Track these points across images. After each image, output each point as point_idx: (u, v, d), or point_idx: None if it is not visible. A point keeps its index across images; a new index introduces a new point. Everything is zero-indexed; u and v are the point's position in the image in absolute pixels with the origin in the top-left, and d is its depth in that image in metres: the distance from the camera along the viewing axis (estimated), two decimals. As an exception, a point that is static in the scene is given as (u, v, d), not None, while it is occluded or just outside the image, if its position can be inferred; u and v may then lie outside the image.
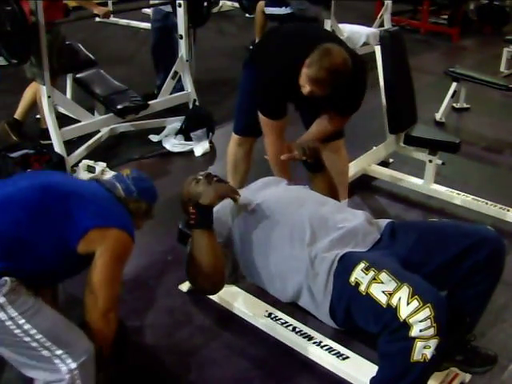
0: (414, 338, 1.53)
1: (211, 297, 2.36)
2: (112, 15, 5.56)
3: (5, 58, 3.25)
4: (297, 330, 2.10)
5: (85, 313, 1.69)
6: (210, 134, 3.95)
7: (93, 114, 3.75)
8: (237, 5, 7.26)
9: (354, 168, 3.31)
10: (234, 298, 2.30)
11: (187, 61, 4.09)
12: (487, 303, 1.92)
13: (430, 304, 1.53)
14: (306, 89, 2.26)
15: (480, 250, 1.79)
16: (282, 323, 2.13)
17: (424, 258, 1.84)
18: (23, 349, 1.56)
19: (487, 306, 1.93)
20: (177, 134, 3.96)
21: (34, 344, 1.56)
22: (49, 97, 3.30)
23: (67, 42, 3.90)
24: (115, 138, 3.98)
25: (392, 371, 1.64)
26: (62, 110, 3.78)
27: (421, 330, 1.52)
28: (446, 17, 7.53)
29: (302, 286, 1.85)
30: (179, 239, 2.48)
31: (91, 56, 4.13)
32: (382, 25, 6.73)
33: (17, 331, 1.53)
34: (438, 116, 4.43)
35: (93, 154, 3.63)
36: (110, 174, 3.44)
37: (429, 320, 1.52)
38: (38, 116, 3.81)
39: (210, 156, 3.84)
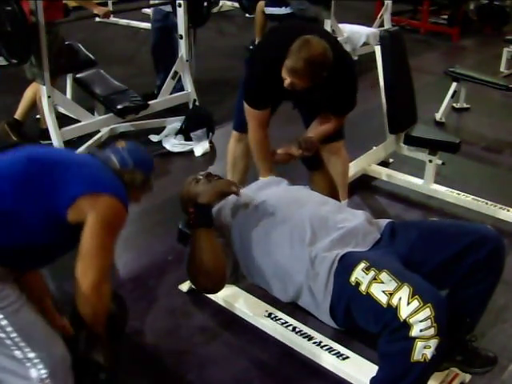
0: (414, 338, 1.53)
1: (211, 297, 2.36)
2: (112, 15, 5.57)
3: (5, 58, 3.25)
4: (297, 330, 2.10)
5: (75, 286, 1.60)
6: (210, 133, 3.96)
7: (93, 113, 3.75)
8: (237, 5, 7.26)
9: (354, 168, 3.31)
10: (235, 298, 2.30)
11: (187, 61, 4.09)
12: (487, 303, 1.92)
13: (430, 304, 1.53)
14: (286, 81, 2.27)
15: (480, 249, 1.79)
16: (282, 323, 2.13)
17: (424, 257, 1.84)
18: None
19: (487, 305, 1.93)
20: (177, 134, 3.96)
21: (8, 342, 1.52)
22: (49, 97, 3.31)
23: (67, 42, 3.90)
24: (115, 138, 3.98)
25: (392, 371, 1.64)
26: (62, 109, 3.78)
27: (421, 330, 1.52)
28: (445, 17, 7.53)
29: (303, 286, 1.85)
30: (179, 239, 2.48)
31: (91, 56, 4.13)
32: (382, 25, 6.73)
33: None
34: (438, 116, 4.43)
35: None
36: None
37: (429, 320, 1.52)
38: (38, 116, 3.81)
39: (210, 156, 3.84)
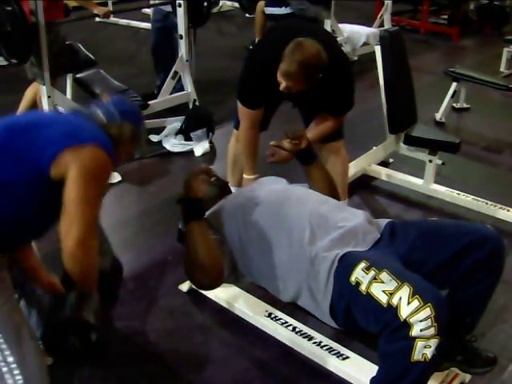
0: (414, 338, 1.53)
1: (211, 297, 2.36)
2: (112, 15, 5.57)
3: (5, 58, 3.25)
4: (297, 330, 2.10)
5: (61, 244, 1.52)
6: (210, 133, 3.96)
7: (93, 114, 3.75)
8: (237, 5, 7.26)
9: (354, 168, 3.31)
10: (234, 298, 2.30)
11: (187, 61, 4.09)
12: (487, 303, 1.92)
13: (430, 304, 1.53)
14: (282, 84, 2.28)
15: (480, 249, 1.79)
16: (282, 323, 2.13)
17: (424, 257, 1.84)
18: None
19: (487, 305, 1.93)
20: (177, 134, 3.96)
21: None
22: (49, 97, 3.31)
23: (67, 42, 3.90)
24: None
25: (392, 371, 1.64)
26: (61, 110, 3.78)
27: (421, 330, 1.52)
28: (446, 17, 7.53)
29: (302, 286, 1.85)
30: (179, 239, 2.47)
31: (91, 56, 4.13)
32: (382, 25, 6.74)
33: None
34: (438, 116, 4.43)
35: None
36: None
37: (429, 320, 1.52)
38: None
39: (210, 156, 3.84)
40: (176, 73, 4.06)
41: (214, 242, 1.93)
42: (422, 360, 1.55)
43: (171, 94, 4.09)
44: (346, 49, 5.42)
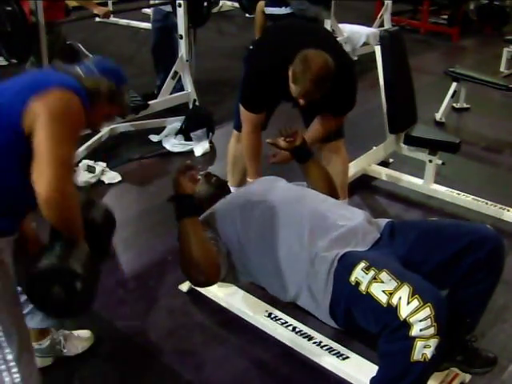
0: (414, 338, 1.53)
1: (211, 297, 2.36)
2: (112, 15, 5.57)
3: (5, 58, 3.26)
4: (297, 330, 2.10)
5: (36, 194, 1.43)
6: (210, 133, 3.96)
7: (93, 114, 3.75)
8: (237, 5, 7.26)
9: (354, 168, 3.31)
10: (234, 298, 2.30)
11: (187, 61, 4.10)
12: (487, 303, 1.92)
13: (430, 303, 1.53)
14: (301, 101, 2.32)
15: (480, 249, 1.79)
16: (282, 323, 2.14)
17: (424, 257, 1.84)
18: None
19: (487, 305, 1.93)
20: (177, 134, 3.96)
21: None
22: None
23: (67, 42, 3.90)
24: (115, 138, 3.98)
25: (392, 371, 1.64)
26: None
27: (421, 330, 1.52)
28: (446, 17, 7.54)
29: (302, 286, 1.85)
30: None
31: (91, 56, 4.12)
32: (382, 25, 6.74)
33: None
34: (438, 116, 4.44)
35: (93, 154, 3.64)
36: (110, 174, 3.45)
37: (429, 319, 1.52)
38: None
39: (210, 156, 3.84)
40: (176, 73, 4.06)
41: (209, 239, 1.92)
42: (422, 360, 1.55)
43: (171, 93, 4.09)
44: (346, 49, 5.42)
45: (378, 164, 3.54)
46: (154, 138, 3.98)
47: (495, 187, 3.44)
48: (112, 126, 3.90)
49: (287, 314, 2.16)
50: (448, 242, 1.84)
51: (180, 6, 3.88)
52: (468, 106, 4.73)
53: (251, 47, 2.81)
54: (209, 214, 2.06)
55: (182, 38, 4.00)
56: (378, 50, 3.22)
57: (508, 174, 3.72)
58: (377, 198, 3.36)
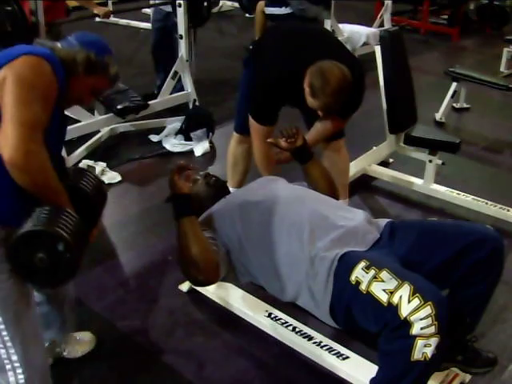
0: (414, 336, 1.53)
1: (211, 297, 2.36)
2: (112, 15, 5.55)
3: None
4: (297, 330, 2.10)
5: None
6: (210, 133, 3.96)
7: (93, 113, 3.75)
8: (237, 5, 7.26)
9: (354, 168, 3.31)
10: (234, 298, 2.30)
11: (187, 61, 4.10)
12: (487, 303, 1.92)
13: (430, 302, 1.53)
14: (320, 114, 2.33)
15: (480, 249, 1.79)
16: (282, 323, 2.14)
17: (423, 257, 1.84)
18: None
19: (487, 305, 1.93)
20: (177, 134, 3.97)
21: None
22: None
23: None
24: (115, 138, 3.99)
25: (392, 370, 1.64)
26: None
27: (422, 328, 1.52)
28: (446, 17, 7.54)
29: (302, 286, 1.85)
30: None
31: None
32: (382, 25, 6.74)
33: None
34: (438, 116, 4.44)
35: (93, 154, 3.64)
36: (110, 174, 3.46)
37: (430, 318, 1.52)
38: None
39: (210, 156, 3.84)
40: (176, 73, 4.06)
41: (205, 238, 1.92)
42: (422, 359, 1.54)
43: (171, 93, 4.09)
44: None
45: (378, 164, 3.54)
46: (154, 138, 3.98)
47: (495, 187, 3.45)
48: (112, 126, 3.91)
49: (287, 314, 2.16)
50: (448, 242, 1.84)
51: (180, 5, 3.88)
52: (468, 105, 4.73)
53: (251, 47, 2.79)
54: (208, 215, 2.06)
55: (182, 37, 4.00)
56: (377, 50, 3.22)
57: (508, 174, 3.72)
58: (377, 198, 3.36)
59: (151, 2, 4.80)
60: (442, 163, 3.18)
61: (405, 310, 1.53)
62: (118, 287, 2.51)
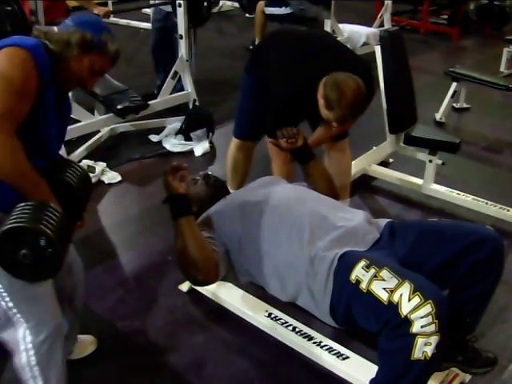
0: (415, 335, 1.53)
1: (211, 297, 2.36)
2: (112, 15, 5.55)
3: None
4: (297, 330, 2.10)
5: None
6: (210, 133, 3.96)
7: (93, 114, 3.75)
8: (237, 5, 7.27)
9: (354, 168, 3.30)
10: (234, 298, 2.30)
11: (187, 61, 4.10)
12: (488, 303, 1.92)
13: (431, 300, 1.53)
14: (334, 125, 2.33)
15: (480, 250, 1.79)
16: (282, 323, 2.13)
17: (423, 258, 1.84)
18: None
19: (488, 306, 1.93)
20: (177, 134, 3.97)
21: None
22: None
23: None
24: (115, 138, 3.99)
25: (392, 370, 1.64)
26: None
27: (422, 327, 1.52)
28: (446, 17, 7.54)
29: (302, 286, 1.85)
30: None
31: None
32: (382, 25, 6.74)
33: None
34: (438, 116, 4.44)
35: (93, 154, 3.64)
36: (110, 174, 3.46)
37: (430, 316, 1.52)
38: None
39: (210, 156, 3.84)
40: (176, 73, 4.06)
41: (206, 238, 1.92)
42: (423, 358, 1.54)
43: (171, 93, 4.09)
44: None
45: (378, 164, 3.54)
46: (154, 138, 3.98)
47: (495, 187, 3.45)
48: (112, 126, 3.91)
49: (287, 314, 2.16)
50: (448, 242, 1.84)
51: (180, 5, 3.88)
52: (468, 105, 4.73)
53: (251, 47, 2.79)
54: (208, 215, 2.06)
55: (182, 37, 4.00)
56: (377, 50, 3.22)
57: (508, 174, 3.72)
58: (377, 198, 3.36)
59: (151, 2, 4.80)
60: (442, 163, 3.18)
61: (405, 308, 1.54)
62: (118, 287, 2.51)
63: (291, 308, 2.10)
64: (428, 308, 1.52)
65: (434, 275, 1.78)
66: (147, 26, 5.87)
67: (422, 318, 1.52)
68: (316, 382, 2.03)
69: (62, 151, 3.32)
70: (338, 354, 1.99)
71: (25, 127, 1.49)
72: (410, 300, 1.54)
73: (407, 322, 1.53)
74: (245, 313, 2.24)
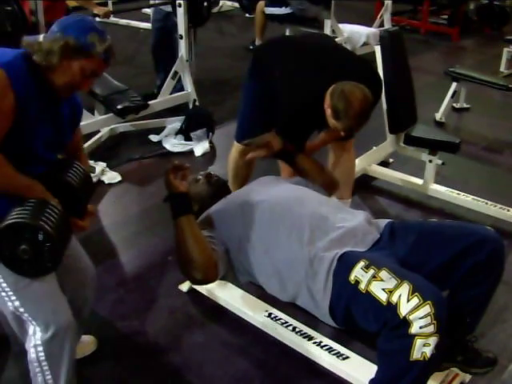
0: (413, 336, 1.53)
1: (211, 297, 2.36)
2: (112, 15, 5.56)
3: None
4: (297, 330, 2.10)
5: None
6: (210, 133, 3.96)
7: (93, 114, 3.75)
8: (237, 5, 7.27)
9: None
10: (234, 298, 2.30)
11: (187, 61, 4.10)
12: (488, 304, 1.92)
13: (430, 301, 1.53)
14: (342, 134, 2.34)
15: (480, 251, 1.79)
16: (282, 323, 2.14)
17: (423, 259, 1.84)
18: None
19: (488, 306, 1.93)
20: (177, 134, 3.96)
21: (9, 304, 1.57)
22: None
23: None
24: (115, 138, 3.98)
25: (391, 370, 1.64)
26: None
27: (421, 327, 1.52)
28: (446, 17, 7.54)
29: (301, 286, 1.85)
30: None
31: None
32: (382, 25, 6.74)
33: None
34: (438, 116, 4.44)
35: (93, 154, 3.64)
36: (110, 174, 3.46)
37: (429, 317, 1.52)
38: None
39: (210, 156, 3.84)
40: (176, 73, 4.06)
41: (206, 237, 1.92)
42: (421, 359, 1.54)
43: (171, 93, 4.09)
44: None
45: (378, 164, 3.54)
46: (154, 138, 3.98)
47: (495, 187, 3.45)
48: (112, 126, 3.91)
49: (287, 314, 2.17)
50: (448, 243, 1.84)
51: (180, 5, 3.88)
52: (468, 106, 4.73)
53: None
54: (208, 214, 2.06)
55: (182, 37, 3.99)
56: (377, 50, 3.22)
57: (508, 174, 3.72)
58: (377, 198, 3.36)
59: (151, 2, 4.80)
60: (442, 163, 3.18)
61: (404, 309, 1.54)
62: (118, 287, 2.51)
63: (291, 308, 2.10)
64: (427, 309, 1.52)
65: (434, 276, 1.78)
66: (147, 26, 5.87)
67: (420, 318, 1.52)
68: (316, 382, 2.03)
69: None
70: (338, 354, 1.99)
71: (10, 140, 1.50)
72: (408, 301, 1.54)
73: (406, 322, 1.53)
74: (245, 313, 2.24)
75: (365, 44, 5.87)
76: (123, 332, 2.26)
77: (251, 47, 6.03)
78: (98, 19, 5.32)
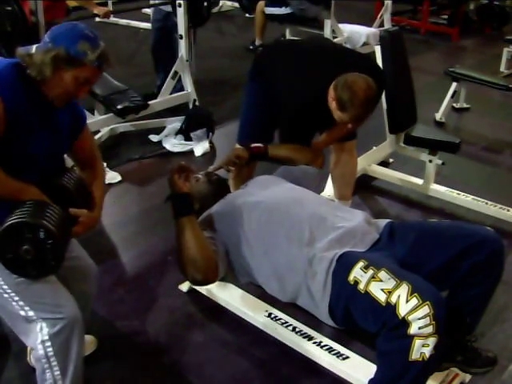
0: (412, 336, 1.53)
1: (211, 297, 2.36)
2: (112, 15, 5.56)
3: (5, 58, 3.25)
4: (297, 330, 2.10)
5: None
6: (210, 133, 3.96)
7: (93, 114, 3.75)
8: (237, 5, 7.26)
9: (355, 168, 3.31)
10: (234, 298, 2.30)
11: (187, 61, 4.10)
12: (487, 304, 1.92)
13: (428, 302, 1.53)
14: (349, 126, 2.34)
15: (479, 251, 1.79)
16: (282, 323, 2.14)
17: (423, 259, 1.84)
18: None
19: (487, 306, 1.93)
20: (177, 134, 3.96)
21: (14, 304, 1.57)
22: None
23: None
24: (115, 138, 3.98)
25: (390, 371, 1.64)
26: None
27: (420, 328, 1.52)
28: (446, 17, 7.54)
29: (301, 286, 1.85)
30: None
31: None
32: (382, 25, 6.73)
33: None
34: (438, 116, 4.44)
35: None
36: (110, 174, 3.45)
37: (428, 318, 1.52)
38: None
39: (210, 156, 3.84)
40: (176, 73, 4.06)
41: (206, 238, 1.93)
42: (420, 359, 1.55)
43: (171, 93, 4.09)
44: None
45: (378, 164, 3.54)
46: (154, 138, 3.98)
47: (495, 187, 3.45)
48: (112, 126, 3.91)
49: (287, 314, 2.17)
50: (447, 244, 1.84)
51: (180, 5, 3.88)
52: (468, 106, 4.73)
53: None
54: (208, 215, 2.06)
55: (182, 37, 3.99)
56: (378, 50, 3.22)
57: (508, 174, 3.72)
58: (377, 198, 3.36)
59: (151, 2, 4.80)
60: (442, 163, 3.18)
61: (403, 310, 1.54)
62: (118, 287, 2.51)
63: (291, 308, 2.10)
64: (426, 309, 1.52)
65: (434, 276, 1.78)
66: (147, 26, 5.87)
67: (419, 319, 1.52)
68: (316, 382, 2.03)
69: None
70: (338, 354, 1.99)
71: (3, 149, 1.51)
72: (407, 301, 1.54)
73: (405, 323, 1.53)
74: (245, 313, 2.24)
75: (365, 44, 5.87)
76: (123, 332, 2.26)
77: (251, 47, 6.03)
78: (98, 19, 5.34)
